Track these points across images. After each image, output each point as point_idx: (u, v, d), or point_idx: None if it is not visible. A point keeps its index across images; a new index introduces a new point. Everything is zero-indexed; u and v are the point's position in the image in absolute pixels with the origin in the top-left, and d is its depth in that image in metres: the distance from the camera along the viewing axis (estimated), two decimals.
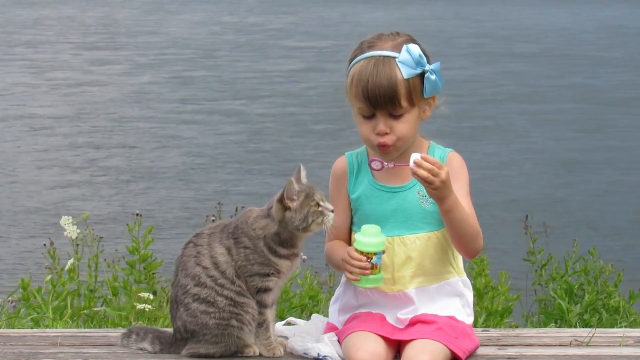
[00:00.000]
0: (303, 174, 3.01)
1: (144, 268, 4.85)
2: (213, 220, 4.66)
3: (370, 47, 3.00)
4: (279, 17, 28.52)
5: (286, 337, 3.09)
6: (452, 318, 3.02)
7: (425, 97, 2.99)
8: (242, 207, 3.86)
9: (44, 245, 5.20)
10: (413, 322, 2.99)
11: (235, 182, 10.15)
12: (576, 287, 4.92)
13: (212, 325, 2.96)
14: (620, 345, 3.10)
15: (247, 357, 3.00)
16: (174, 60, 19.20)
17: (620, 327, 4.53)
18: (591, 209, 9.20)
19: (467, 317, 3.07)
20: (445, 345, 2.91)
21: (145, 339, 3.08)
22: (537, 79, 16.85)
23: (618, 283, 4.98)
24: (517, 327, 4.29)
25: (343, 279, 3.11)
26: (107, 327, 4.39)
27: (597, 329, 3.28)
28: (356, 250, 2.93)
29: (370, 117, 2.98)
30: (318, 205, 2.94)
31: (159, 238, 7.49)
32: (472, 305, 3.10)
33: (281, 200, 2.95)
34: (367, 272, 2.92)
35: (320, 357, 2.97)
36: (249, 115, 13.76)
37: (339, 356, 2.97)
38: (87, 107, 14.36)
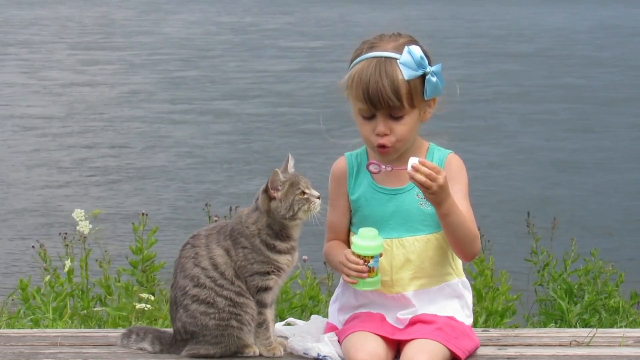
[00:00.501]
0: (291, 163, 3.02)
1: (144, 269, 4.83)
2: (216, 220, 4.65)
3: (372, 47, 2.99)
4: (276, 17, 28.55)
5: (286, 337, 3.10)
6: (451, 318, 3.02)
7: (426, 99, 2.98)
8: (237, 207, 3.85)
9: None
10: (413, 322, 2.99)
11: (225, 183, 10.15)
12: (576, 287, 4.92)
13: (212, 326, 2.96)
14: (620, 346, 3.10)
15: (247, 357, 3.01)
16: (167, 60, 19.21)
17: (620, 327, 4.53)
18: (582, 209, 9.19)
19: (466, 318, 3.07)
20: (445, 345, 2.92)
21: (145, 339, 3.09)
22: (529, 79, 16.87)
23: (619, 283, 4.99)
24: (517, 327, 4.28)
25: (342, 279, 3.11)
26: (106, 327, 4.39)
27: (598, 329, 3.29)
28: (353, 253, 2.93)
29: (370, 117, 2.97)
30: (303, 193, 2.95)
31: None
32: (471, 307, 3.10)
33: (266, 191, 2.96)
34: (364, 275, 2.92)
35: (320, 357, 2.97)
36: (240, 115, 13.76)
37: (339, 356, 2.97)
38: (78, 107, 14.36)
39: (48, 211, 9.03)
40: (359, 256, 2.92)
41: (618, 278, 5.01)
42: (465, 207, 2.97)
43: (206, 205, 5.35)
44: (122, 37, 23.31)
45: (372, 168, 2.97)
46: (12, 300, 4.96)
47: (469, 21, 27.28)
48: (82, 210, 5.01)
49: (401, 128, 2.96)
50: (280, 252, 2.99)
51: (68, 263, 4.87)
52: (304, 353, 3.00)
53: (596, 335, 3.17)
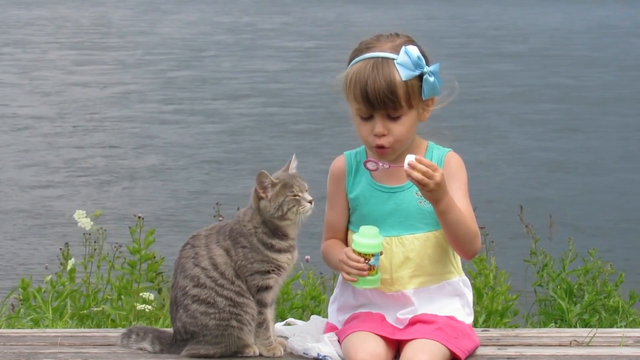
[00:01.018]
0: (293, 164, 3.03)
1: (145, 269, 4.82)
2: (220, 220, 4.66)
3: (369, 48, 2.99)
4: (273, 17, 28.54)
5: (286, 337, 3.10)
6: (451, 318, 3.01)
7: (423, 99, 2.98)
8: (238, 207, 3.85)
9: (60, 249, 5.18)
10: (413, 322, 2.99)
11: (214, 183, 10.15)
12: (575, 287, 4.92)
13: (212, 326, 2.96)
14: (620, 345, 3.10)
15: (247, 357, 3.01)
16: (160, 60, 19.21)
17: (620, 327, 4.54)
18: (572, 209, 9.18)
19: (466, 316, 3.07)
20: (445, 345, 2.92)
21: (145, 339, 3.08)
22: (521, 79, 16.87)
23: (619, 283, 4.99)
24: (517, 327, 4.28)
25: (340, 278, 3.11)
26: (106, 327, 4.40)
27: (598, 329, 3.29)
28: (354, 251, 2.93)
29: (368, 118, 2.98)
30: (295, 196, 2.96)
31: None
32: (472, 305, 3.10)
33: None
34: (365, 273, 2.92)
35: (320, 357, 2.97)
36: (230, 115, 13.75)
37: (339, 356, 2.97)
38: (68, 107, 14.36)
39: (38, 211, 9.02)
40: (359, 254, 2.92)
41: (618, 278, 5.01)
42: (465, 205, 2.98)
43: (217, 204, 5.36)
44: (117, 37, 23.32)
45: (369, 165, 2.97)
46: (10, 299, 4.96)
47: (465, 21, 27.29)
48: (83, 211, 5.02)
49: (399, 128, 2.96)
50: (279, 250, 2.99)
51: (70, 262, 4.88)
52: (304, 353, 3.01)
53: (596, 335, 3.17)
